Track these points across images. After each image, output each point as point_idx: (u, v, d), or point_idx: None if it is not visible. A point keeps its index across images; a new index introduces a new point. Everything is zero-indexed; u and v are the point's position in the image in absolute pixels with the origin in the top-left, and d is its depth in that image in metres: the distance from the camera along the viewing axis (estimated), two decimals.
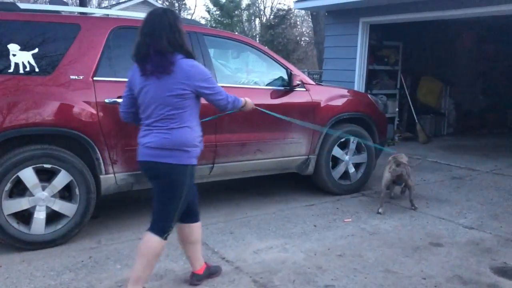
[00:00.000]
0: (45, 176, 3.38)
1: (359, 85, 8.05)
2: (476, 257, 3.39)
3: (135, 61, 2.59)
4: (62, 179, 3.40)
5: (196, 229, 2.84)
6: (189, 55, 2.58)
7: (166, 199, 2.58)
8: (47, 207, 3.37)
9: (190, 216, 2.80)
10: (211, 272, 3.00)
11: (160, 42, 2.47)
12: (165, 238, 2.61)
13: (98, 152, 3.53)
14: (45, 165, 3.33)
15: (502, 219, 4.27)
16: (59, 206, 3.42)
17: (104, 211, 4.16)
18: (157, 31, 2.49)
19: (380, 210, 4.38)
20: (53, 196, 3.39)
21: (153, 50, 2.47)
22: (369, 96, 5.62)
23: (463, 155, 7.53)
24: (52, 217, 3.44)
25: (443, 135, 9.76)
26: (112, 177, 3.65)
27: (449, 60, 9.94)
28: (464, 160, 7.02)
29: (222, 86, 4.00)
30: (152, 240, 2.58)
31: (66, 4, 4.45)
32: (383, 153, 5.44)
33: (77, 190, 3.46)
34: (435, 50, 9.70)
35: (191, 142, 2.56)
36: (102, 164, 3.57)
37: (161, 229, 2.59)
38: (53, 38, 3.53)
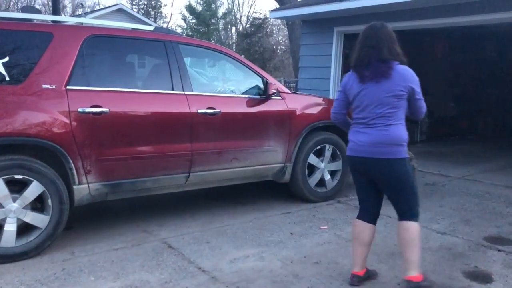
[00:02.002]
0: (16, 187, 3.30)
1: (334, 93, 8.15)
2: (448, 262, 3.47)
3: (354, 69, 2.92)
4: (33, 190, 3.33)
5: (373, 231, 3.04)
6: (402, 62, 2.86)
7: (400, 190, 2.87)
8: (18, 219, 3.29)
9: (374, 216, 3.06)
10: (370, 275, 3.13)
11: (382, 52, 2.79)
12: (418, 220, 2.91)
13: (71, 162, 3.47)
14: (16, 176, 3.26)
15: (473, 224, 4.38)
16: (31, 217, 3.34)
17: (78, 221, 4.09)
18: (380, 43, 2.81)
19: None
20: (25, 207, 3.31)
21: (375, 59, 2.80)
22: None
23: (435, 161, 7.70)
24: (24, 229, 3.36)
25: (416, 142, 9.94)
26: (86, 187, 3.59)
27: (421, 69, 10.06)
28: (436, 167, 7.17)
29: (198, 95, 4.12)
30: (411, 227, 2.86)
31: (39, 12, 4.39)
32: None
33: (49, 201, 3.39)
34: (407, 58, 9.90)
35: (404, 137, 2.84)
36: (75, 174, 3.51)
37: (413, 215, 2.89)
38: (25, 46, 3.47)
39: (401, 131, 2.82)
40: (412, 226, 2.86)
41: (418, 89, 2.86)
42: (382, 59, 2.79)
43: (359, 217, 3.05)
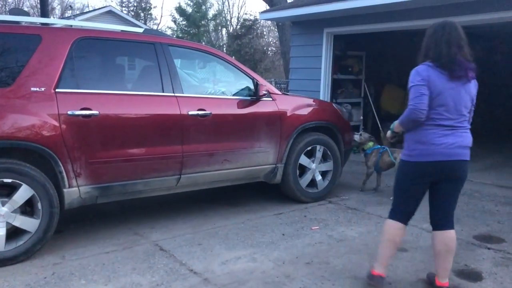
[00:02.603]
0: (5, 190, 3.27)
1: (324, 94, 8.18)
2: None
3: (442, 65, 2.72)
4: (23, 193, 3.30)
5: (405, 232, 3.01)
6: None
7: (458, 194, 2.90)
8: (8, 223, 3.26)
9: (409, 219, 2.99)
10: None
11: (467, 51, 2.73)
12: None
13: (61, 165, 3.44)
14: (5, 180, 3.22)
15: (463, 222, 4.42)
16: (20, 221, 3.31)
17: (68, 225, 4.06)
18: (461, 41, 2.74)
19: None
20: (14, 211, 3.28)
21: (464, 58, 2.72)
22: (333, 105, 5.73)
23: None
24: (13, 233, 3.32)
25: None
26: (76, 190, 3.57)
27: (411, 69, 10.21)
28: None
29: (189, 97, 4.12)
30: (453, 235, 2.87)
31: (27, 14, 4.35)
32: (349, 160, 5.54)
33: (39, 205, 3.36)
34: (397, 59, 9.98)
35: None
36: (65, 178, 3.48)
37: (453, 222, 2.90)
38: (13, 49, 3.45)
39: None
40: (454, 235, 2.88)
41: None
42: (468, 59, 2.73)
43: (395, 218, 2.94)
